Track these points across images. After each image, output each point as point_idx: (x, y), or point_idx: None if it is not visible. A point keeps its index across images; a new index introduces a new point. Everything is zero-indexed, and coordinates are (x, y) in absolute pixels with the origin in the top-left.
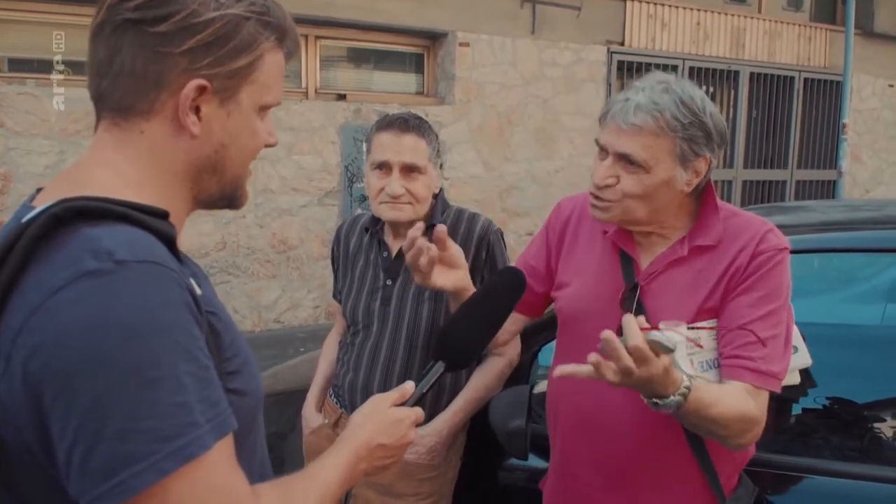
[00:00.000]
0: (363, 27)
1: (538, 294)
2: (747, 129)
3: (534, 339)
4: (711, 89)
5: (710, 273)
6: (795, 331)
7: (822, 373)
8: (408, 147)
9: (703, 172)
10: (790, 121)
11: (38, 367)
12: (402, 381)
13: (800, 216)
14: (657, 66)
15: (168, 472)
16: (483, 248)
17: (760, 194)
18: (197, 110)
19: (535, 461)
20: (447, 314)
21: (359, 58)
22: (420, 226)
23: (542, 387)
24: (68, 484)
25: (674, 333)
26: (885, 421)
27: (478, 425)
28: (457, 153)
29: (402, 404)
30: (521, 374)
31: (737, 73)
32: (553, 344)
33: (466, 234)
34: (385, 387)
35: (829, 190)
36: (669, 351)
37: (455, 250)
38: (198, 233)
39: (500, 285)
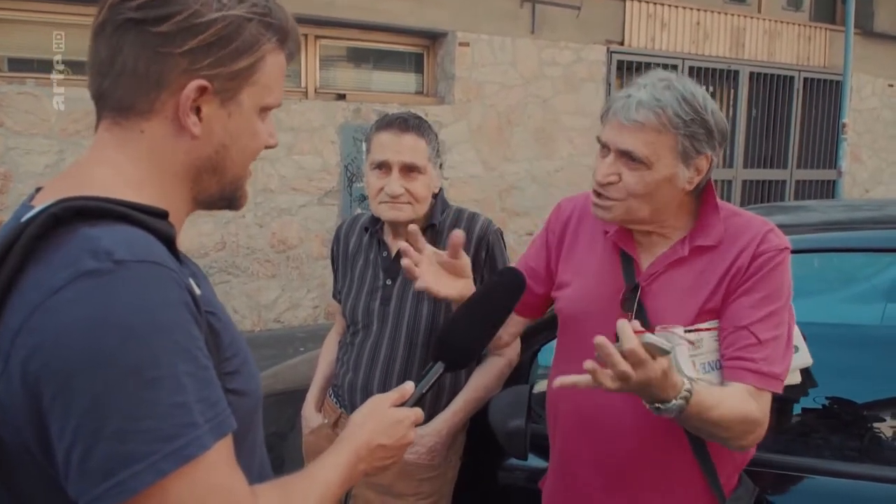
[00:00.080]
0: (363, 27)
1: (538, 295)
2: (747, 128)
3: (534, 338)
4: (711, 89)
5: (711, 274)
6: (796, 330)
7: (823, 373)
8: (407, 147)
9: (705, 170)
10: (790, 120)
11: (38, 366)
12: (401, 380)
13: (800, 216)
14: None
15: (167, 472)
16: (483, 247)
17: (760, 194)
18: (198, 111)
19: (534, 461)
20: (447, 314)
21: (359, 57)
22: (414, 227)
23: (541, 386)
24: (67, 484)
25: (670, 335)
26: (885, 421)
27: (477, 425)
28: (456, 153)
29: (402, 405)
30: (520, 373)
31: (736, 72)
32: (553, 344)
33: (466, 233)
34: (385, 386)
35: (828, 190)
36: (665, 353)
37: (464, 261)
38: (197, 233)
39: (499, 285)
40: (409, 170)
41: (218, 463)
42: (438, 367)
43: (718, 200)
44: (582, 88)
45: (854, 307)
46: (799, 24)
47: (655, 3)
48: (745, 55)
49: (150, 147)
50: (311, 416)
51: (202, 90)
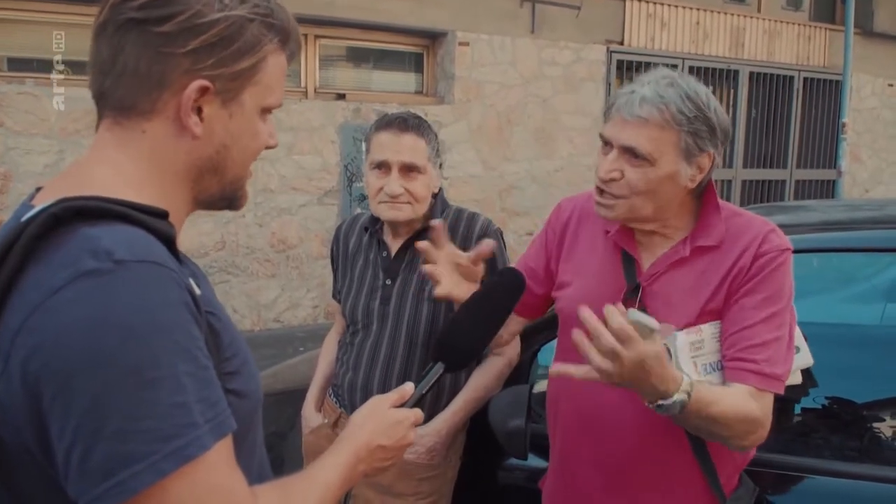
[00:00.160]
0: (363, 26)
1: (538, 296)
2: (747, 128)
3: (534, 338)
4: (711, 89)
5: (713, 274)
6: (797, 331)
7: (823, 373)
8: (407, 147)
9: (707, 169)
10: (789, 120)
11: (38, 366)
12: (401, 380)
13: (800, 216)
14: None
15: (167, 472)
16: None
17: (760, 194)
18: (199, 111)
19: (534, 461)
20: (447, 314)
21: (358, 57)
22: (438, 222)
23: (541, 386)
24: (67, 484)
25: (665, 325)
26: (884, 421)
27: (477, 425)
28: (456, 153)
29: (402, 405)
30: (520, 373)
31: (736, 72)
32: (553, 344)
33: (466, 233)
34: (385, 386)
35: (828, 189)
36: (651, 330)
37: (480, 269)
38: (197, 232)
39: (500, 286)
40: (408, 170)
41: (218, 463)
42: (438, 368)
43: (720, 200)
44: (582, 88)
45: (854, 307)
46: (799, 24)
47: (655, 3)
48: (744, 55)
49: (151, 147)
50: (311, 416)
51: (204, 90)
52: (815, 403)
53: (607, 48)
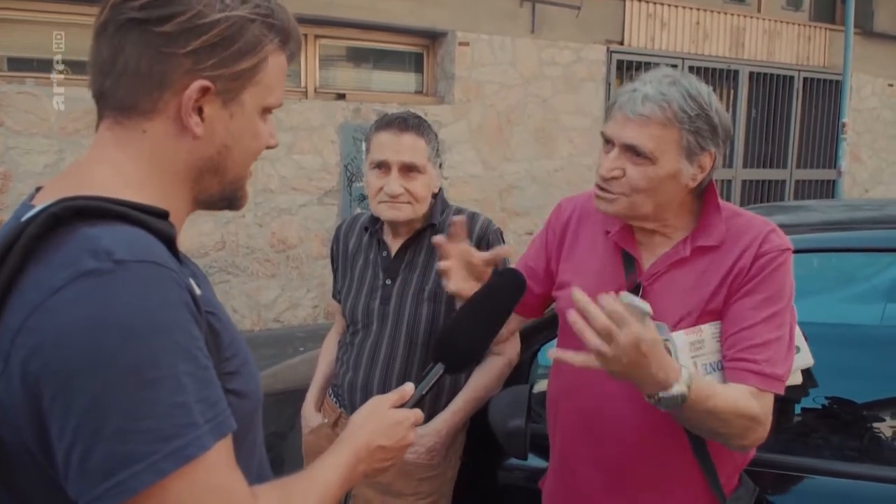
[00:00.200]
0: (363, 26)
1: (537, 295)
2: (746, 128)
3: (534, 338)
4: (711, 89)
5: (713, 274)
6: (798, 331)
7: (823, 373)
8: (407, 146)
9: (708, 168)
10: (789, 120)
11: (38, 367)
12: (401, 380)
13: (800, 216)
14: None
15: (167, 472)
16: (482, 247)
17: (760, 194)
18: (200, 111)
19: (534, 461)
20: (447, 314)
21: (358, 57)
22: (460, 218)
23: (541, 386)
24: (67, 484)
25: (660, 324)
26: (884, 421)
27: (477, 425)
28: (456, 153)
29: (402, 406)
30: (520, 373)
31: (736, 72)
32: (553, 343)
33: (466, 233)
34: (385, 386)
35: (828, 189)
36: (644, 313)
37: (486, 271)
38: (197, 232)
39: (500, 286)
40: (408, 169)
41: (218, 463)
42: (438, 369)
43: (720, 200)
44: (582, 88)
45: (854, 307)
46: (799, 24)
47: (655, 3)
48: (744, 55)
49: (152, 147)
50: (311, 416)
51: (205, 90)
52: (815, 403)
53: (607, 48)
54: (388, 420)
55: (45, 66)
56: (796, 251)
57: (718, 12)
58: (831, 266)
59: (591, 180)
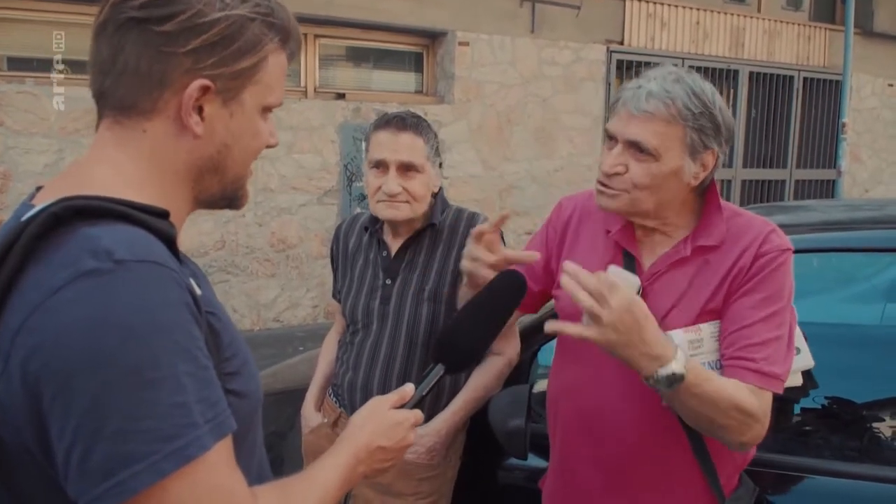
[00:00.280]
0: (363, 26)
1: (535, 293)
2: (746, 128)
3: (533, 338)
4: (714, 87)
5: (713, 274)
6: (798, 332)
7: (822, 373)
8: (404, 145)
9: (710, 167)
10: (789, 120)
11: (38, 367)
12: (401, 380)
13: (800, 216)
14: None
15: (167, 472)
16: None
17: (759, 194)
18: (200, 110)
19: (534, 460)
20: (447, 314)
21: (358, 57)
22: (505, 213)
23: (541, 386)
24: (67, 484)
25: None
26: (884, 421)
27: (477, 425)
28: (456, 152)
29: (402, 406)
30: (520, 373)
31: (736, 72)
32: (553, 343)
33: (466, 232)
34: (385, 386)
35: (828, 189)
36: (633, 285)
37: (500, 266)
38: (197, 232)
39: (501, 287)
40: (406, 168)
41: (218, 464)
42: (439, 370)
43: (721, 200)
44: (581, 88)
45: (854, 307)
46: (798, 24)
47: (655, 3)
48: (744, 55)
49: (152, 146)
50: (311, 416)
51: (205, 90)
52: (815, 403)
53: (607, 48)
54: (388, 421)
55: (44, 65)
56: (796, 251)
57: (718, 12)
58: (831, 266)
59: (591, 180)
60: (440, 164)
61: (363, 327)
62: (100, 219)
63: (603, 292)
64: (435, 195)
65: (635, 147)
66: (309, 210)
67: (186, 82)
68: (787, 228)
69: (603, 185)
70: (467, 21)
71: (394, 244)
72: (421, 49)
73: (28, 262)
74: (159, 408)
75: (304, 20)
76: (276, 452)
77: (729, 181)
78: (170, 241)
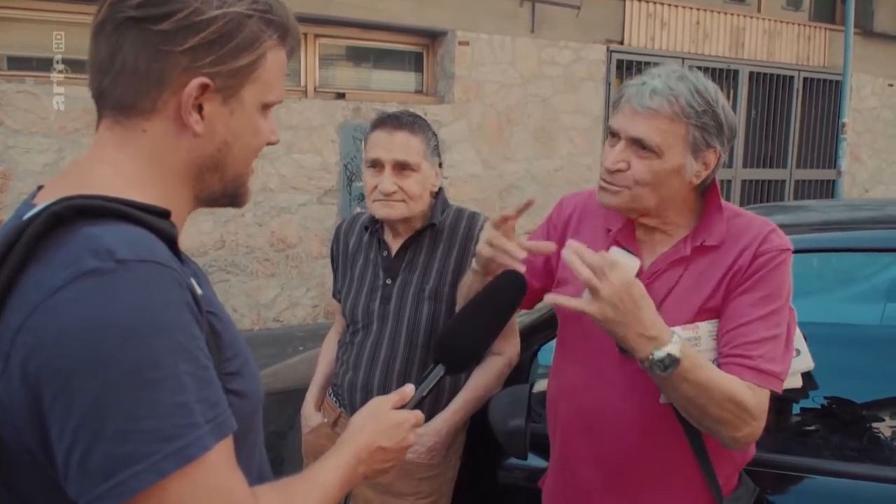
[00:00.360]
0: (363, 26)
1: (534, 289)
2: (746, 128)
3: (534, 338)
4: (717, 87)
5: (713, 273)
6: (798, 334)
7: (822, 373)
8: (399, 144)
9: (712, 165)
10: (789, 120)
11: (38, 366)
12: (401, 380)
13: (800, 216)
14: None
15: (168, 472)
16: None
17: (759, 194)
18: (199, 109)
19: (534, 460)
20: (447, 314)
21: (358, 56)
22: (531, 199)
23: (541, 386)
24: (67, 484)
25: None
26: (884, 421)
27: (477, 425)
28: (456, 152)
29: (402, 407)
30: (520, 373)
31: (736, 72)
32: (553, 343)
33: (466, 232)
34: (385, 386)
35: (828, 189)
36: (633, 263)
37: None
38: (197, 231)
39: (501, 287)
40: (401, 167)
41: (218, 464)
42: (439, 370)
43: (722, 200)
44: (581, 88)
45: (854, 307)
46: (798, 24)
47: (655, 3)
48: (744, 55)
49: (152, 146)
50: (311, 416)
51: (204, 88)
52: (815, 403)
53: (607, 48)
54: (388, 421)
55: (44, 65)
56: (796, 251)
57: (718, 12)
58: (831, 266)
59: (591, 180)
60: (439, 164)
61: (363, 327)
62: (101, 218)
63: (604, 268)
64: (435, 195)
65: (638, 144)
66: (309, 210)
67: (185, 81)
68: (787, 228)
69: (605, 181)
70: (467, 21)
71: (394, 244)
72: (421, 49)
73: (29, 261)
74: (160, 408)
75: (304, 20)
76: (277, 452)
77: (729, 181)
78: (171, 241)
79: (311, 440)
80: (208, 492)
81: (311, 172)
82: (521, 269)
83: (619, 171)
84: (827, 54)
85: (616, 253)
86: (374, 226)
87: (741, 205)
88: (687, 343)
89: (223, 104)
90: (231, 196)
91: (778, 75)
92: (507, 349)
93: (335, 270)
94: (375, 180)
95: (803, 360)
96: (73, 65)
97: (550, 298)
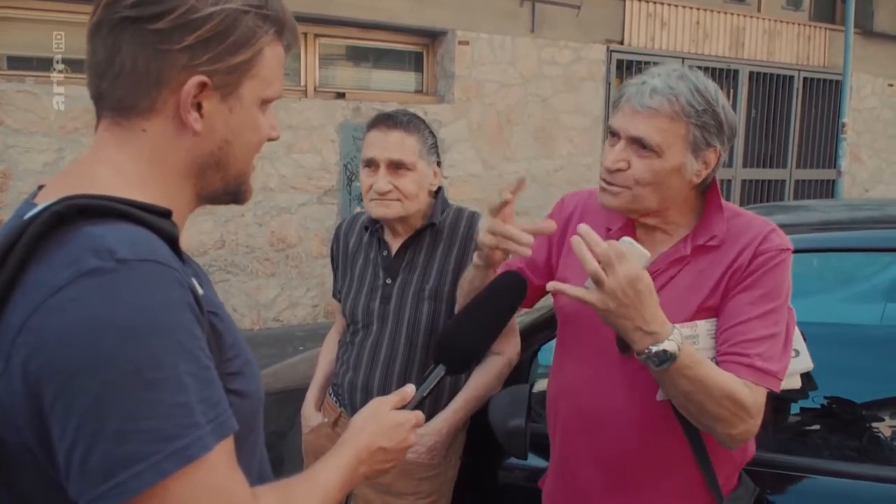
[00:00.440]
0: (362, 25)
1: (535, 286)
2: (747, 128)
3: (534, 337)
4: (717, 86)
5: (712, 272)
6: (797, 335)
7: (822, 373)
8: (394, 143)
9: (712, 165)
10: (789, 120)
11: (39, 366)
12: (402, 380)
13: (800, 215)
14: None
15: (169, 472)
16: None
17: (759, 193)
18: (199, 107)
19: (534, 460)
20: (447, 313)
21: (358, 56)
22: (521, 177)
23: (541, 386)
24: (68, 484)
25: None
26: (884, 421)
27: (477, 424)
28: (456, 152)
29: (403, 407)
30: (520, 373)
31: (736, 72)
32: (553, 343)
33: (466, 232)
34: (385, 386)
35: (828, 189)
36: (644, 256)
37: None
38: (197, 231)
39: (501, 288)
40: (396, 166)
41: (219, 464)
42: (440, 371)
43: (723, 200)
44: (581, 88)
45: (854, 307)
46: (798, 24)
47: (655, 3)
48: (744, 55)
49: (152, 146)
50: (311, 415)
51: (202, 86)
52: (815, 403)
53: (607, 48)
54: (388, 422)
55: (44, 64)
56: (796, 251)
57: (718, 12)
58: (831, 266)
59: (590, 180)
60: (438, 163)
61: (363, 327)
62: (102, 218)
63: (611, 259)
64: (435, 194)
65: (638, 143)
66: (309, 209)
67: (183, 80)
68: (787, 228)
69: (606, 182)
70: (467, 20)
71: (394, 243)
72: (421, 48)
73: (30, 260)
74: (161, 408)
75: (304, 19)
76: (277, 452)
77: (729, 181)
78: (172, 241)
79: (311, 440)
80: (209, 492)
81: (310, 172)
82: (529, 253)
83: (619, 170)
84: (827, 54)
85: (625, 243)
86: (374, 225)
87: (741, 204)
88: (686, 340)
89: (222, 102)
90: (233, 193)
91: (778, 75)
92: (507, 349)
93: (335, 270)
94: (371, 180)
95: (802, 361)
96: (73, 64)
97: (552, 286)
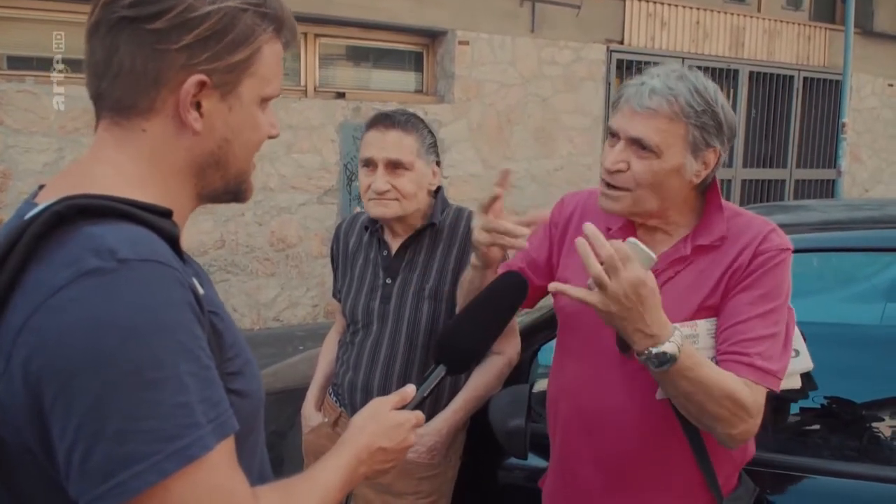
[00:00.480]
0: (362, 25)
1: (535, 287)
2: (747, 128)
3: (534, 337)
4: (717, 86)
5: (712, 272)
6: (797, 335)
7: (822, 373)
8: (391, 143)
9: (712, 165)
10: (789, 120)
11: (39, 366)
12: (402, 380)
13: (800, 215)
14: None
15: (170, 472)
16: None
17: (759, 193)
18: (198, 106)
19: (534, 460)
20: (447, 313)
21: (358, 56)
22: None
23: (541, 386)
24: (68, 484)
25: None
26: (884, 421)
27: (477, 424)
28: (456, 152)
29: (403, 408)
30: (520, 373)
31: (736, 72)
32: (553, 343)
33: (466, 231)
34: (385, 386)
35: (828, 189)
36: (649, 259)
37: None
38: (197, 231)
39: (502, 288)
40: (394, 166)
41: (220, 464)
42: (440, 371)
43: (723, 200)
44: (581, 88)
45: (854, 307)
46: (798, 24)
47: (655, 3)
48: (744, 54)
49: (152, 146)
50: (311, 415)
51: (201, 85)
52: (815, 403)
53: (607, 48)
54: (389, 422)
55: (44, 64)
56: (796, 251)
57: (718, 12)
58: (831, 266)
59: (590, 180)
60: (437, 163)
61: (363, 327)
62: (103, 218)
63: (616, 263)
64: (435, 194)
65: (637, 144)
66: (309, 209)
67: (182, 79)
68: (787, 228)
69: (606, 185)
70: (467, 20)
71: (394, 243)
72: (421, 48)
73: (30, 260)
74: (161, 408)
75: (304, 19)
76: (277, 452)
77: (729, 181)
78: (173, 240)
79: (311, 440)
80: (209, 492)
81: (310, 172)
82: (524, 245)
83: (618, 171)
84: (827, 54)
85: (631, 245)
86: (374, 225)
87: (741, 204)
88: (687, 341)
89: (221, 100)
90: (233, 192)
91: (778, 75)
92: (507, 349)
93: (335, 270)
94: (369, 179)
95: (802, 361)
96: (73, 64)
97: (554, 287)
